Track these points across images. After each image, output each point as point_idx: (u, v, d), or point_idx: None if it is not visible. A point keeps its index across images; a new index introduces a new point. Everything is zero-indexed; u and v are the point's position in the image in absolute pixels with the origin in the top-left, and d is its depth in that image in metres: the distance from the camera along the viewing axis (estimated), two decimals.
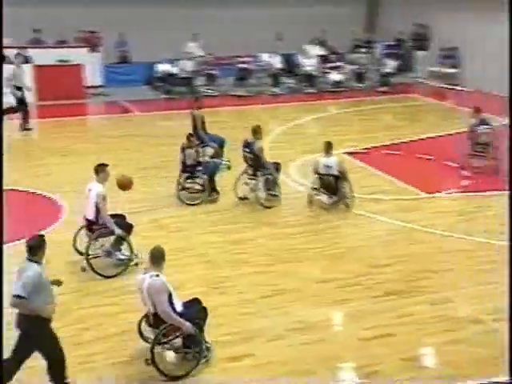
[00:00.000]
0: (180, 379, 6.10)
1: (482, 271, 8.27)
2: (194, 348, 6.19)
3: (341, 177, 10.24)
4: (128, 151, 13.65)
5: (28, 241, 5.63)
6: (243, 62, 19.77)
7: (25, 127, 15.41)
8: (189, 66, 19.23)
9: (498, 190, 11.01)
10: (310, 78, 19.85)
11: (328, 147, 10.36)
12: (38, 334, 5.59)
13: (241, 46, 19.47)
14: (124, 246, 8.31)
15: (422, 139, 14.57)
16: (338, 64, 20.27)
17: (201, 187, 10.69)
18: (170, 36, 18.68)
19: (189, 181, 10.77)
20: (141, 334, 6.44)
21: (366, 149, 13.44)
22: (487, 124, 12.18)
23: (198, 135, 11.81)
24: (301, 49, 20.43)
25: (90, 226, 8.20)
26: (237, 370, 6.29)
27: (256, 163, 10.46)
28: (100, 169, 8.17)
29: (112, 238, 8.23)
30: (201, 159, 10.94)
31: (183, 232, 9.50)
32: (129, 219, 8.60)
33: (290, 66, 20.20)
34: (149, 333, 6.30)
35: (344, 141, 13.80)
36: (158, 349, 6.15)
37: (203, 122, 12.22)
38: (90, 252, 8.15)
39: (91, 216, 8.13)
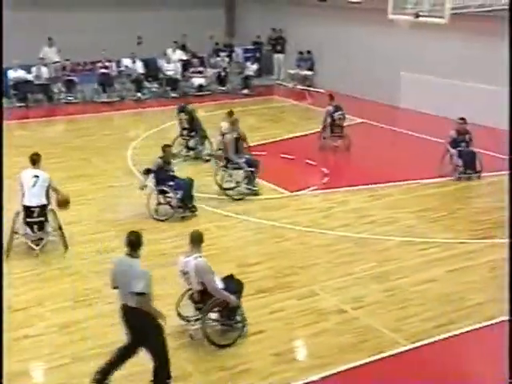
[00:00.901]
0: (227, 347, 6.71)
1: (342, 263, 8.79)
2: (236, 319, 6.82)
3: (240, 138, 11.77)
4: None
5: (129, 237, 5.83)
6: (104, 67, 19.27)
7: None
8: (45, 72, 18.39)
9: (354, 186, 11.78)
10: (173, 83, 19.82)
11: (230, 116, 12.22)
12: (151, 327, 5.86)
13: (100, 51, 18.94)
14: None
15: (285, 139, 15.15)
16: (200, 68, 20.44)
17: (175, 203, 10.25)
18: (20, 40, 17.64)
19: (169, 195, 10.29)
20: (179, 314, 6.88)
21: None
22: (341, 110, 14.12)
23: (195, 127, 13.27)
24: (162, 53, 20.32)
25: (41, 210, 8.71)
26: None
27: (224, 153, 11.42)
28: (37, 158, 8.92)
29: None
30: (174, 173, 10.55)
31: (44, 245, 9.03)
32: None
33: (152, 71, 20.04)
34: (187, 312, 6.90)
35: None
36: (202, 323, 6.64)
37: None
38: None
39: (43, 200, 8.72)
